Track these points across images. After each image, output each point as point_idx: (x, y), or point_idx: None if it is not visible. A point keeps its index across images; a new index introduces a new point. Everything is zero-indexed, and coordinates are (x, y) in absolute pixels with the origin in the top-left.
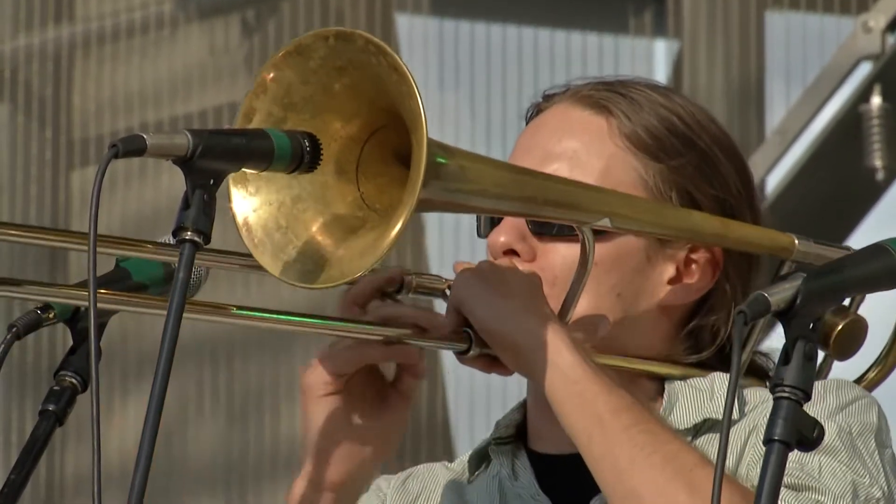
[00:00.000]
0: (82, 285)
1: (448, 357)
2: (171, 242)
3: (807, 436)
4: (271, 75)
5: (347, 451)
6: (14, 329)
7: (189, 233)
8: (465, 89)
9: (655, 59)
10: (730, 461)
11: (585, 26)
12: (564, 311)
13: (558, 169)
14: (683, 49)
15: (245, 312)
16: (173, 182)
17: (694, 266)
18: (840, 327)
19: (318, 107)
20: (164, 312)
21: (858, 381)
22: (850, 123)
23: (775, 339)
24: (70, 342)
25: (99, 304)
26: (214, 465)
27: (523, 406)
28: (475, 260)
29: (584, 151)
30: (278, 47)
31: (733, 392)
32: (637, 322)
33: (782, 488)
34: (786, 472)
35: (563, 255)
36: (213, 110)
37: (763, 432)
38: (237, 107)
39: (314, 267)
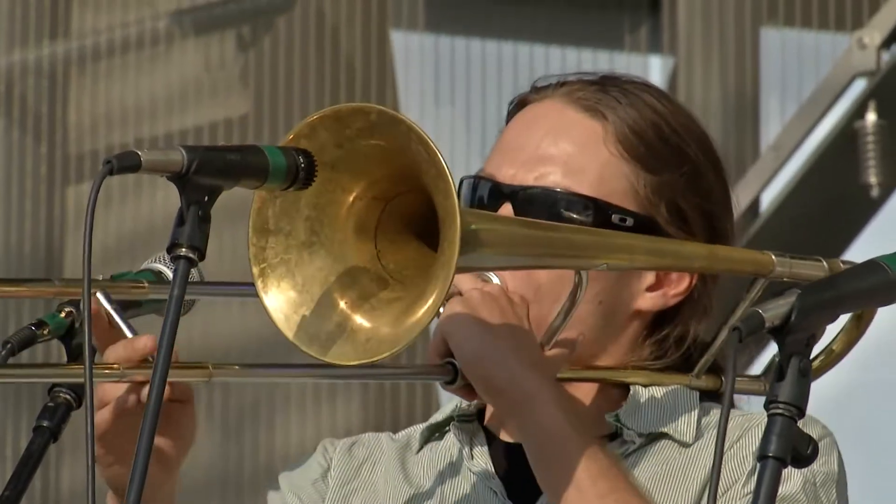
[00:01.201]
0: (76, 302)
1: None
2: (166, 259)
3: (801, 452)
4: (306, 133)
5: (153, 477)
6: (8, 345)
7: (184, 249)
8: (460, 105)
9: (651, 75)
10: (696, 485)
11: (581, 42)
12: (548, 338)
13: (551, 172)
14: (679, 65)
15: (223, 370)
16: (168, 198)
17: (674, 275)
18: None
19: (347, 167)
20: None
21: None
22: (845, 140)
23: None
24: (64, 358)
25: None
26: (210, 478)
27: None
28: None
29: (578, 156)
30: (274, 62)
31: (726, 417)
32: (611, 327)
33: None
34: None
35: None
36: (208, 126)
37: (731, 466)
38: (233, 122)
39: (337, 340)
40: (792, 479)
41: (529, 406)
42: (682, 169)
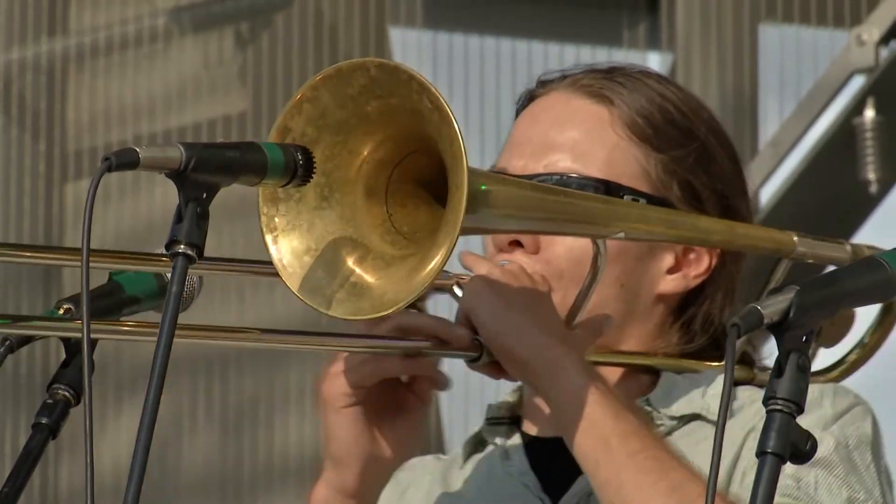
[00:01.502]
0: (75, 299)
1: (442, 362)
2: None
3: (800, 448)
4: (308, 97)
5: (367, 458)
6: (7, 342)
7: (182, 246)
8: (458, 102)
9: None
10: (724, 463)
11: (579, 39)
12: (572, 315)
13: (560, 159)
14: (677, 61)
15: (266, 335)
16: (167, 195)
17: (692, 255)
18: None
19: (352, 130)
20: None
21: (839, 363)
22: (844, 136)
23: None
24: (63, 355)
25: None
26: (208, 477)
27: (519, 389)
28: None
29: (586, 141)
30: (272, 60)
31: (726, 407)
32: (636, 312)
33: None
34: (781, 490)
35: (568, 246)
36: (207, 123)
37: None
38: (231, 119)
39: (345, 297)
40: (824, 443)
41: (554, 373)
42: (691, 149)
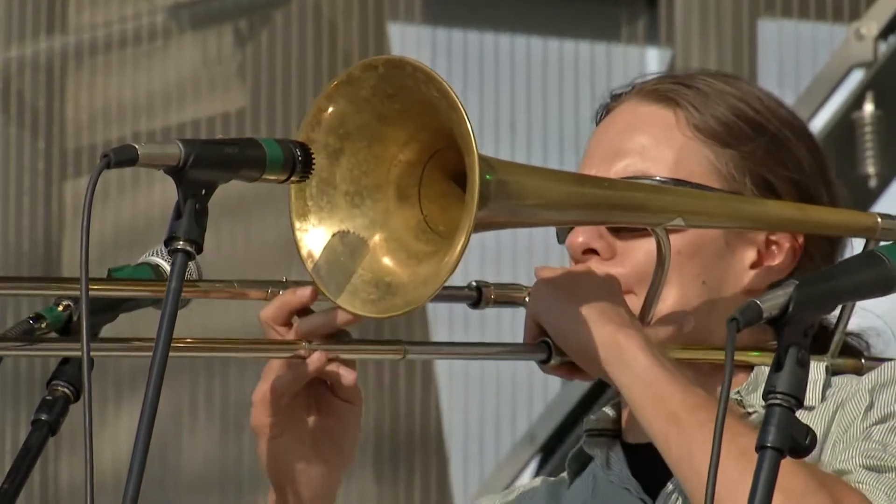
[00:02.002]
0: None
1: (442, 362)
2: (164, 252)
3: (799, 442)
4: (325, 106)
5: (306, 478)
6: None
7: (181, 242)
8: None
9: (648, 67)
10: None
11: (578, 34)
12: (646, 310)
13: (629, 165)
14: (676, 56)
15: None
16: (166, 192)
17: (775, 248)
18: None
19: (373, 134)
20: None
21: None
22: (843, 131)
23: (862, 319)
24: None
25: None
26: (208, 474)
27: (618, 403)
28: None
29: (653, 145)
30: (271, 57)
31: (726, 396)
32: (723, 309)
33: (862, 470)
34: (867, 452)
35: (645, 250)
36: (206, 120)
37: (848, 407)
38: (230, 117)
39: (378, 296)
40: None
41: (620, 359)
42: (762, 142)
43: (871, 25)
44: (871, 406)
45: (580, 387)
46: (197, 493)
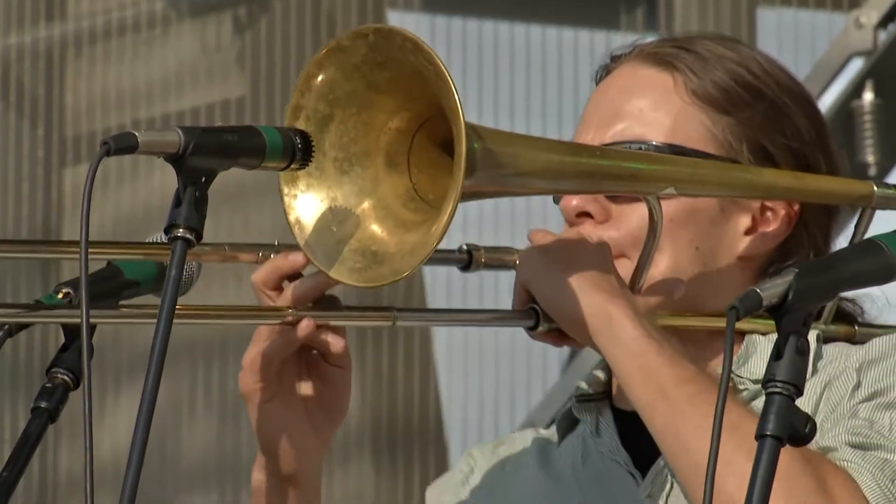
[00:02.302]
0: (74, 283)
1: (441, 351)
2: (163, 240)
3: (799, 430)
4: (315, 73)
5: (295, 444)
6: (6, 326)
7: (181, 230)
8: (456, 85)
9: None
10: None
11: (577, 23)
12: (636, 277)
13: (626, 128)
14: None
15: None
16: (165, 179)
17: (770, 214)
18: None
19: (363, 101)
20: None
21: None
22: (842, 119)
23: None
24: (62, 339)
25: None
26: (207, 463)
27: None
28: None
29: (651, 108)
30: (270, 44)
31: (727, 380)
32: (717, 275)
33: (847, 448)
34: (853, 429)
35: (640, 214)
36: (205, 108)
37: (836, 386)
38: (230, 104)
39: (365, 264)
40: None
41: (609, 329)
42: (760, 108)
43: (870, 14)
44: (858, 385)
45: (579, 374)
46: (196, 483)
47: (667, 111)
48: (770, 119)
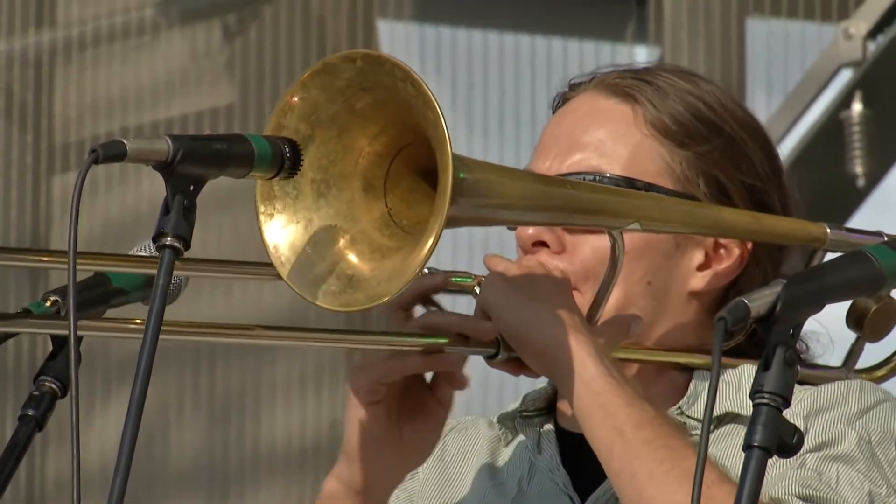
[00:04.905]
0: (62, 291)
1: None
2: (151, 248)
3: (787, 442)
4: (298, 95)
5: (380, 457)
6: None
7: (169, 238)
8: (446, 95)
9: None
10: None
11: (567, 32)
12: (594, 311)
13: (584, 159)
14: (665, 55)
15: (271, 332)
16: (154, 187)
17: (723, 251)
18: (873, 309)
19: (344, 124)
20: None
21: (886, 361)
22: (831, 130)
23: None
24: (50, 347)
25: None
26: (196, 467)
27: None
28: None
29: (609, 140)
30: (260, 52)
31: (713, 396)
32: (667, 310)
33: (797, 500)
34: (802, 481)
35: (593, 246)
36: (194, 115)
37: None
38: (219, 112)
39: (340, 288)
40: (847, 439)
41: (569, 362)
42: (718, 143)
43: (859, 25)
44: (805, 432)
45: None
46: (184, 487)
47: (625, 143)
48: (727, 154)
